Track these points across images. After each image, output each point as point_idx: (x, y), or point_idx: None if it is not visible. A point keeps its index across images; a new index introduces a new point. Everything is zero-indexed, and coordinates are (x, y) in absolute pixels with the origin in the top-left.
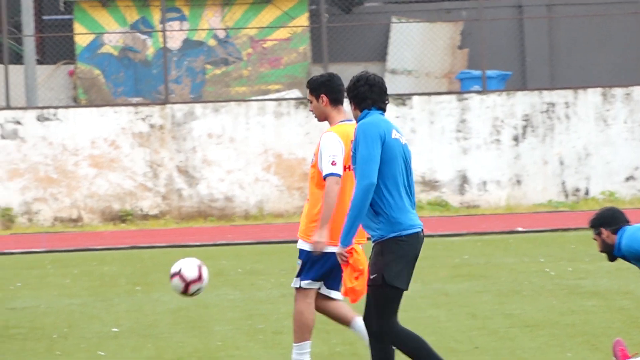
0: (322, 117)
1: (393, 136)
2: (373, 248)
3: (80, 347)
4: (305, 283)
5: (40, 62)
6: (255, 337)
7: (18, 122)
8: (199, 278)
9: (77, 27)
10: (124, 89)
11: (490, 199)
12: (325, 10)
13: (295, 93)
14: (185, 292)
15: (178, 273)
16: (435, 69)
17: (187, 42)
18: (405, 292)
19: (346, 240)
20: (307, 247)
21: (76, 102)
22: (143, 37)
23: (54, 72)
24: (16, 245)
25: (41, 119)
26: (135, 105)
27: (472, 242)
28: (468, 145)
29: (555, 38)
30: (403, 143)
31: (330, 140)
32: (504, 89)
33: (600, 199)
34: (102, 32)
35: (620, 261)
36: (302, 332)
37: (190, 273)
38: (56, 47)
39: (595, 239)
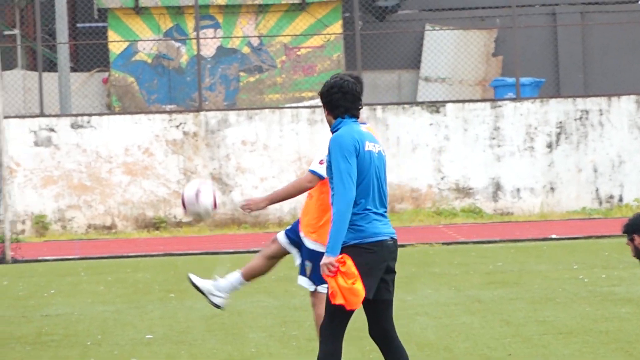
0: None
1: (366, 148)
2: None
3: (113, 354)
4: (322, 287)
5: (74, 70)
6: (289, 344)
7: (52, 130)
8: (214, 203)
9: (111, 35)
10: (158, 96)
11: (523, 206)
12: (359, 17)
13: None
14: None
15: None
16: (469, 76)
17: (221, 50)
18: (438, 299)
19: (334, 250)
20: (317, 247)
21: (110, 110)
22: (177, 44)
23: (88, 80)
24: (50, 253)
25: (75, 126)
26: (169, 112)
27: (505, 249)
28: (502, 153)
29: (588, 45)
30: (377, 152)
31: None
32: (537, 97)
33: (634, 206)
34: (136, 39)
35: None
36: None
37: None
38: (90, 55)
39: (628, 245)
